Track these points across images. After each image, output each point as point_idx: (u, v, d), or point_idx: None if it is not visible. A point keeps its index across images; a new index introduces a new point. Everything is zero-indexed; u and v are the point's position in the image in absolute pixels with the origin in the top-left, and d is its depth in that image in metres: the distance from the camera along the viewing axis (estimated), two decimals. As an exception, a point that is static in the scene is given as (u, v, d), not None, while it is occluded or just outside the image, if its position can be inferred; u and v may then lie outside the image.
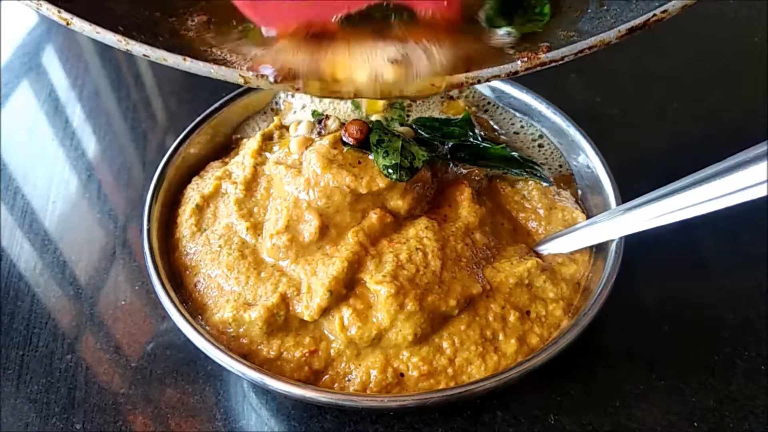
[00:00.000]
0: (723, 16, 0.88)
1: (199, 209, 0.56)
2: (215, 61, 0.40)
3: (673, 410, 0.53)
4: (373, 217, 0.50)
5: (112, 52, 0.87)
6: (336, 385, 0.49)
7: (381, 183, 0.50)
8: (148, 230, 0.54)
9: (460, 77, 0.40)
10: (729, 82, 0.79)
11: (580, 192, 0.58)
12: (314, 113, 0.61)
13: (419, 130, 0.58)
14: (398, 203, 0.51)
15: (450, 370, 0.48)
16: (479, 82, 0.40)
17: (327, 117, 0.56)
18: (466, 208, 0.53)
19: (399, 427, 0.53)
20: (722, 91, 0.77)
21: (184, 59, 0.39)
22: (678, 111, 0.76)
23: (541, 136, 0.61)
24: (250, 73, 0.39)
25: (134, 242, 0.66)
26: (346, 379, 0.49)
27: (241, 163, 0.57)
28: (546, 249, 0.54)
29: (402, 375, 0.48)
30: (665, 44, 0.83)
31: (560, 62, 0.40)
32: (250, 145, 0.58)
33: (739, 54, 0.82)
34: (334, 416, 0.53)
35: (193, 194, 0.58)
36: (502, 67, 0.40)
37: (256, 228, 0.53)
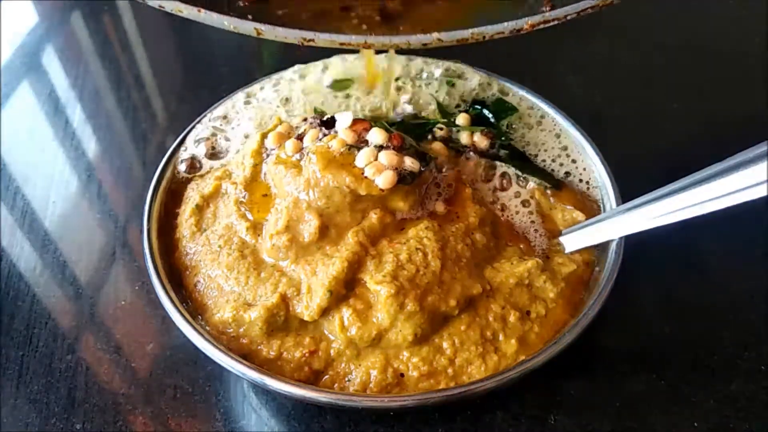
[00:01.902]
0: (723, 17, 0.88)
1: (199, 209, 0.56)
2: (230, 14, 0.41)
3: (673, 410, 0.53)
4: (373, 217, 0.50)
5: (113, 52, 0.88)
6: (336, 385, 0.49)
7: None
8: (148, 230, 0.54)
9: (465, 33, 0.41)
10: (729, 82, 0.79)
11: (580, 192, 0.58)
12: (316, 110, 0.61)
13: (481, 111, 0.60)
14: (399, 205, 0.51)
15: (450, 370, 0.48)
16: (484, 38, 0.41)
17: (329, 116, 0.56)
18: (466, 208, 0.53)
19: (399, 427, 0.53)
20: (722, 91, 0.77)
21: (199, 11, 0.40)
22: (678, 111, 0.76)
23: (522, 130, 0.61)
24: (264, 25, 0.40)
25: (134, 242, 0.66)
26: (346, 379, 0.49)
27: (241, 163, 0.57)
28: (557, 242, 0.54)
29: (402, 375, 0.48)
30: (665, 44, 0.84)
31: (563, 20, 0.41)
32: (250, 145, 0.58)
33: (739, 54, 0.82)
34: (334, 416, 0.53)
35: (193, 194, 0.58)
36: (506, 24, 0.41)
37: (256, 228, 0.53)
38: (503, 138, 0.59)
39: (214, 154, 0.61)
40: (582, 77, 0.80)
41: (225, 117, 0.63)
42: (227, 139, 0.61)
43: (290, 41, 0.41)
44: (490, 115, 0.61)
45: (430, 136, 0.58)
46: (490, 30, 0.41)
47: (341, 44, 0.41)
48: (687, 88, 0.78)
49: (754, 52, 0.82)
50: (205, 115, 0.62)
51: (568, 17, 0.41)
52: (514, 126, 0.61)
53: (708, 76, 0.80)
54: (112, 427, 0.54)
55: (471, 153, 0.57)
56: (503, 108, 0.62)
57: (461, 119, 0.59)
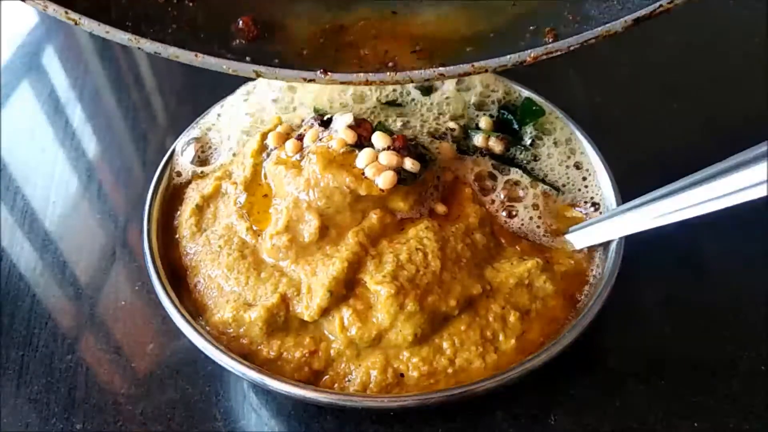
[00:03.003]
0: (723, 17, 0.88)
1: (199, 209, 0.56)
2: (227, 56, 0.41)
3: (674, 410, 0.53)
4: (373, 217, 0.50)
5: (113, 52, 0.87)
6: (336, 385, 0.49)
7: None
8: (148, 230, 0.54)
9: (468, 66, 0.41)
10: (729, 82, 0.79)
11: (579, 193, 0.58)
12: (316, 110, 0.61)
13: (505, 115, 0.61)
14: (399, 205, 0.51)
15: (450, 371, 0.48)
16: (486, 71, 0.41)
17: (328, 116, 0.56)
18: (466, 208, 0.53)
19: (399, 427, 0.53)
20: (722, 91, 0.77)
21: (196, 56, 0.40)
22: (678, 111, 0.76)
23: (542, 137, 0.61)
24: (263, 67, 0.40)
25: (134, 242, 0.66)
26: (346, 379, 0.49)
27: (241, 163, 0.57)
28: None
29: (402, 375, 0.48)
30: (665, 44, 0.83)
31: (566, 52, 0.41)
32: (250, 145, 0.58)
33: (739, 54, 0.82)
34: (334, 416, 0.53)
35: (193, 194, 0.58)
36: (510, 57, 0.41)
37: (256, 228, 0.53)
38: (521, 146, 0.59)
39: (201, 163, 0.61)
40: (582, 77, 0.80)
41: (209, 128, 0.62)
42: (215, 150, 0.61)
43: (291, 82, 0.42)
44: (515, 123, 0.61)
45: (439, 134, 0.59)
46: (493, 63, 0.41)
47: (342, 83, 0.42)
48: (687, 88, 0.78)
49: (754, 52, 0.82)
50: (192, 126, 0.62)
51: (571, 48, 0.41)
52: (539, 138, 0.60)
53: (708, 76, 0.80)
54: (112, 427, 0.54)
55: (483, 155, 0.58)
56: (530, 110, 0.61)
57: (484, 123, 0.60)
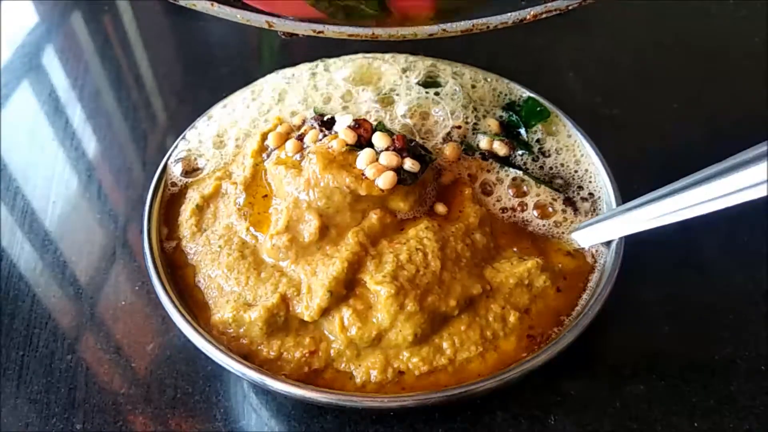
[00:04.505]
0: (723, 16, 0.88)
1: (199, 209, 0.56)
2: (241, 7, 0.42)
3: (673, 410, 0.53)
4: (373, 217, 0.50)
5: (113, 52, 0.88)
6: (336, 385, 0.49)
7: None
8: (148, 230, 0.54)
9: (469, 23, 0.41)
10: (729, 82, 0.79)
11: (579, 195, 0.58)
12: (316, 110, 0.61)
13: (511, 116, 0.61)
14: (399, 205, 0.51)
15: (450, 370, 0.48)
16: (488, 29, 0.41)
17: (328, 116, 0.56)
18: (466, 208, 0.53)
19: (399, 427, 0.53)
20: (722, 91, 0.77)
21: (212, 5, 0.41)
22: (678, 111, 0.76)
23: (542, 137, 0.61)
24: (275, 18, 0.41)
25: (134, 242, 0.66)
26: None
27: (241, 163, 0.57)
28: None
29: (402, 374, 0.48)
30: (665, 44, 0.84)
31: (565, 11, 0.42)
32: (250, 145, 0.58)
33: (739, 54, 0.83)
34: (334, 416, 0.53)
35: (193, 194, 0.58)
36: (510, 14, 0.41)
37: (256, 228, 0.53)
38: (528, 151, 0.59)
39: (188, 173, 0.60)
40: (582, 77, 0.80)
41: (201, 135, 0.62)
42: (203, 156, 0.61)
43: (300, 33, 0.42)
44: (521, 125, 0.61)
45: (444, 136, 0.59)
46: (494, 20, 0.41)
47: (349, 35, 0.42)
48: (687, 88, 0.78)
49: (754, 52, 0.82)
50: (191, 127, 0.62)
51: (570, 7, 0.41)
52: (543, 141, 0.60)
53: (708, 75, 0.80)
54: (112, 427, 0.54)
55: (486, 159, 0.58)
56: (535, 110, 0.61)
57: (492, 125, 0.60)
